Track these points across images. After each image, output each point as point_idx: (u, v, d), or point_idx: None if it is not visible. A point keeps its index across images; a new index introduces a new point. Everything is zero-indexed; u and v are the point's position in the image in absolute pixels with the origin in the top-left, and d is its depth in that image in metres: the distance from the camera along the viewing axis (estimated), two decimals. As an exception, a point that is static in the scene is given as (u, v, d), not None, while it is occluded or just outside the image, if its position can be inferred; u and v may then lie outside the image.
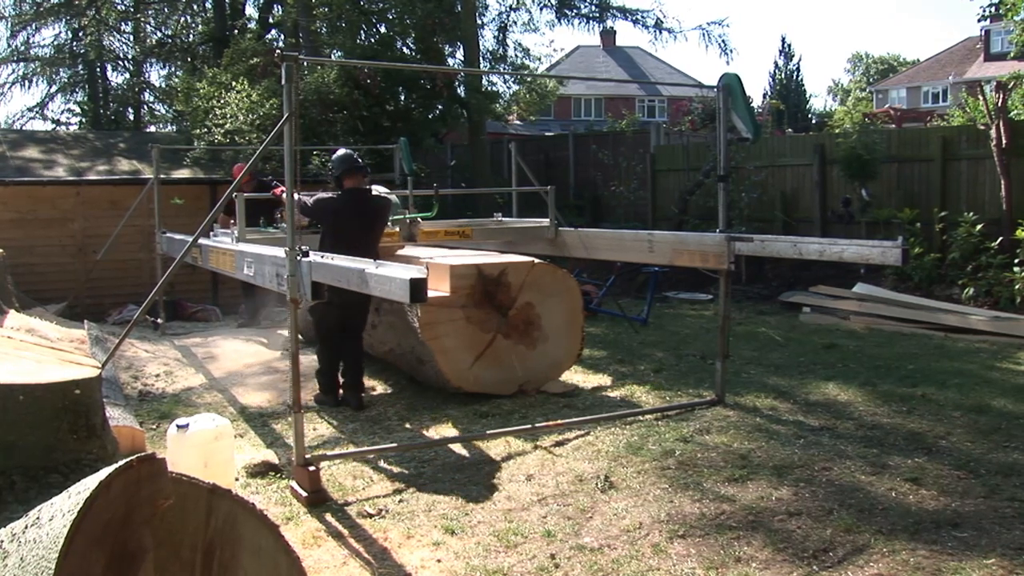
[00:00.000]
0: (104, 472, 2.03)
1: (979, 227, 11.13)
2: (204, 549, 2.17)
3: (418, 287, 3.83)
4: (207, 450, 4.89)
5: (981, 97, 12.06)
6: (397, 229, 7.68)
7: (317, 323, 7.12)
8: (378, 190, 7.49)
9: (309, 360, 8.41)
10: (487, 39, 18.77)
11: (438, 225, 8.27)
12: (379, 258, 6.07)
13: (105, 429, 3.64)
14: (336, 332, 7.00)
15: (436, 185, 9.03)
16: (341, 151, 7.01)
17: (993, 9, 17.17)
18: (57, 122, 24.44)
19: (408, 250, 8.04)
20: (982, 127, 11.81)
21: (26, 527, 2.09)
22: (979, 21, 26.23)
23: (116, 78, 25.11)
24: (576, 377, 7.72)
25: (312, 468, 4.99)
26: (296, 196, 6.79)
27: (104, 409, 3.82)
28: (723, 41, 19.70)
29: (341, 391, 7.08)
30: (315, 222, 7.04)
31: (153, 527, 2.05)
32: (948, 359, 8.28)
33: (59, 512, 2.01)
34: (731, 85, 6.52)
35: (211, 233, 7.77)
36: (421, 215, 8.24)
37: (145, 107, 25.30)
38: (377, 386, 7.55)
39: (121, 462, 2.04)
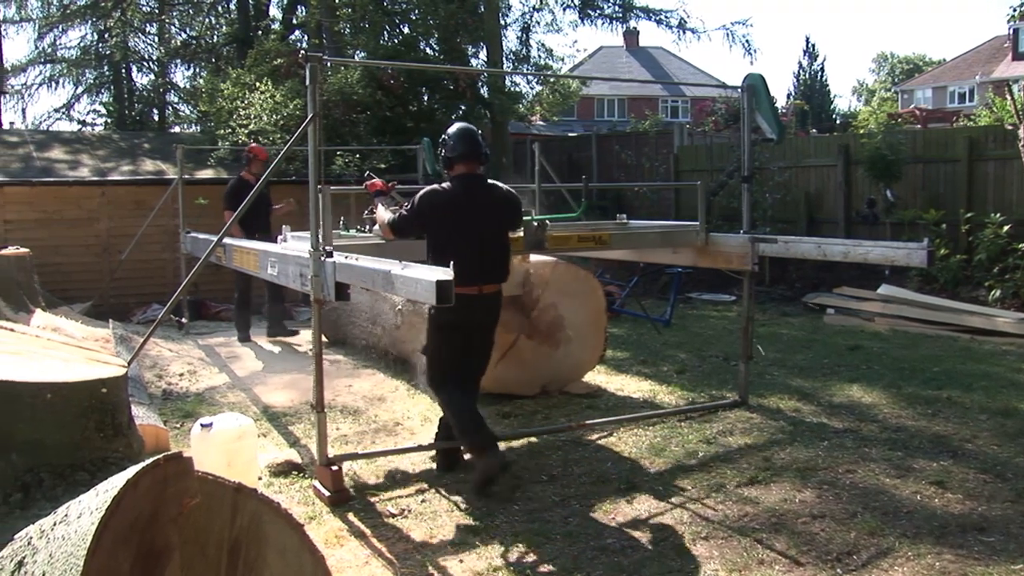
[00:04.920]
0: (131, 470, 2.04)
1: (1006, 228, 11.03)
2: (229, 548, 2.18)
3: (444, 288, 3.82)
4: (230, 449, 4.92)
5: (1009, 96, 11.94)
6: (520, 234, 6.05)
7: (434, 360, 5.40)
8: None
9: (331, 359, 8.45)
10: (510, 40, 18.75)
11: (568, 229, 6.81)
12: (507, 268, 5.38)
13: (131, 428, 3.67)
14: (459, 366, 5.35)
15: (585, 178, 7.65)
16: (458, 125, 5.44)
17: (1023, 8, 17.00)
18: (83, 123, 24.61)
19: (533, 261, 7.05)
20: (1009, 127, 11.70)
21: (55, 524, 2.11)
22: (1008, 21, 25.97)
23: (141, 79, 25.28)
24: (599, 378, 7.71)
25: (335, 468, 5.01)
26: (386, 212, 5.54)
27: (130, 408, 3.85)
28: (747, 41, 19.52)
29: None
30: (419, 234, 5.37)
31: (179, 525, 2.06)
32: (974, 361, 8.21)
33: (87, 510, 2.02)
34: (755, 85, 6.50)
35: (280, 238, 6.68)
36: (556, 217, 7.06)
37: (169, 108, 25.44)
38: (400, 386, 7.56)
39: (148, 460, 2.06)
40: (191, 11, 23.39)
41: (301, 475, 5.38)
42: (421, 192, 5.25)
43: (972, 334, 9.56)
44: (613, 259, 9.44)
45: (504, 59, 17.24)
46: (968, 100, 46.62)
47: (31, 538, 2.16)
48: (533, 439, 6.00)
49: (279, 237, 6.62)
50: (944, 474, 5.12)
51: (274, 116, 13.24)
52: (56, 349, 3.83)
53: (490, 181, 5.44)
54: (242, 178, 9.61)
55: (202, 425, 4.97)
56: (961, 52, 53.90)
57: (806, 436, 5.95)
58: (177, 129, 23.90)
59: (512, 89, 17.63)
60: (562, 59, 19.77)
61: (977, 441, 5.76)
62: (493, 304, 5.31)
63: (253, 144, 10.49)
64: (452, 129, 5.37)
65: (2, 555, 2.20)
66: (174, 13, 23.54)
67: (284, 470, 5.41)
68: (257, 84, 13.98)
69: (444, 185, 5.27)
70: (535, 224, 6.12)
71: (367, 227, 6.22)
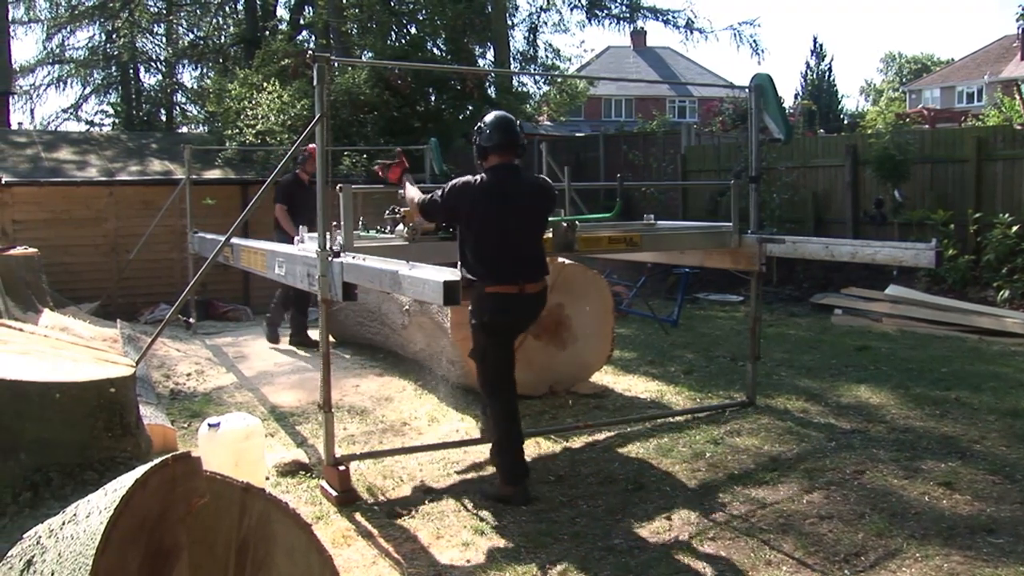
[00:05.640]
0: (140, 470, 2.04)
1: (1015, 228, 10.96)
2: (238, 547, 2.19)
3: (452, 289, 3.81)
4: (238, 449, 4.93)
5: (1018, 96, 11.90)
6: (549, 235, 5.71)
7: (483, 365, 5.10)
8: None
9: (338, 359, 8.45)
10: (517, 40, 18.82)
11: (598, 230, 6.46)
12: (547, 263, 5.18)
13: (139, 427, 3.67)
14: (510, 373, 5.11)
15: (620, 177, 7.10)
16: (495, 114, 5.14)
17: (1030, 8, 16.95)
18: (91, 123, 24.74)
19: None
20: (1018, 127, 11.66)
21: (63, 523, 2.12)
22: (1017, 20, 25.86)
23: (149, 79, 25.40)
24: (606, 378, 7.71)
25: (342, 468, 5.01)
26: (415, 190, 5.35)
27: (138, 408, 3.86)
28: (754, 41, 19.58)
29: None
30: (447, 224, 5.34)
31: (188, 525, 2.07)
32: (983, 362, 8.19)
33: (96, 509, 2.03)
34: (763, 85, 6.48)
35: (296, 239, 6.43)
36: (587, 217, 6.77)
37: (177, 108, 25.53)
38: (407, 386, 7.57)
39: (157, 460, 2.06)
40: (199, 12, 23.48)
41: (308, 475, 5.38)
42: (454, 182, 5.00)
43: (981, 335, 9.53)
44: (622, 259, 9.40)
45: (511, 59, 17.28)
46: (977, 100, 46.50)
47: (40, 537, 2.16)
48: (540, 439, 5.99)
49: (295, 238, 6.49)
50: (952, 475, 5.10)
51: (281, 116, 13.26)
52: (65, 349, 3.84)
53: (523, 171, 5.21)
54: (297, 175, 9.46)
55: (209, 425, 4.98)
56: (970, 52, 53.78)
57: (814, 437, 5.94)
58: (185, 129, 23.98)
59: (519, 89, 17.66)
60: (569, 59, 19.83)
61: (986, 442, 5.75)
62: (536, 304, 5.09)
63: (312, 145, 10.07)
64: (488, 117, 5.09)
65: (12, 554, 2.21)
66: (181, 14, 23.62)
67: (291, 470, 5.42)
68: (264, 84, 14.00)
69: (478, 177, 4.98)
70: (564, 225, 5.87)
71: (388, 228, 6.01)
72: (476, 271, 4.87)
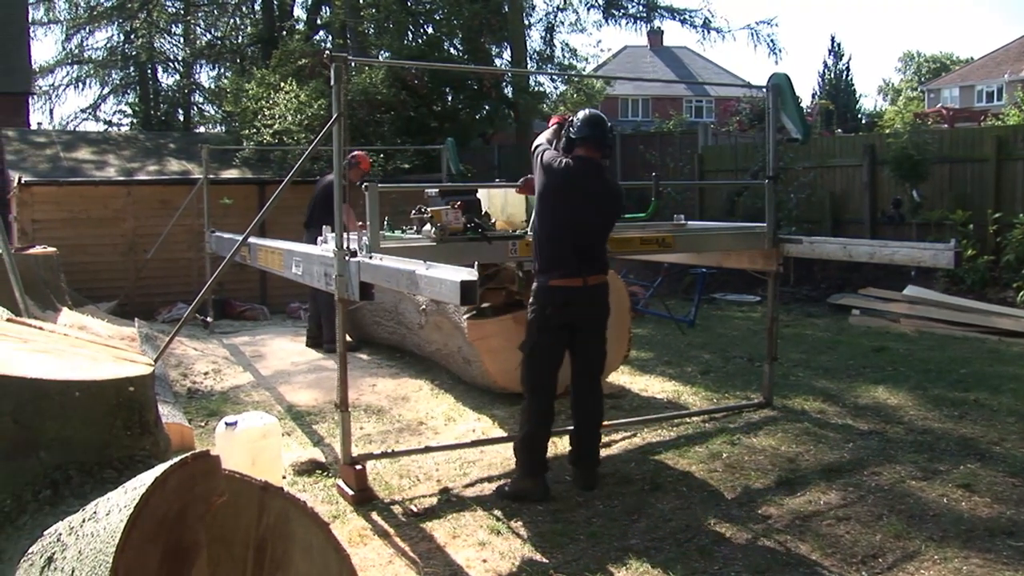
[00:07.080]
0: (159, 468, 2.05)
1: (1035, 229, 10.91)
2: (256, 546, 2.19)
3: (468, 289, 3.81)
4: (255, 448, 4.94)
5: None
6: None
7: (529, 360, 5.05)
8: None
9: (355, 358, 8.47)
10: (534, 39, 18.76)
11: (631, 230, 6.32)
12: (607, 262, 5.16)
13: (158, 426, 3.68)
14: (555, 372, 5.07)
15: (656, 175, 6.93)
16: (589, 110, 5.14)
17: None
18: (109, 123, 24.88)
19: None
20: (1038, 127, 11.59)
21: (83, 521, 2.13)
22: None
23: (166, 79, 25.54)
24: (623, 378, 7.70)
25: (359, 467, 5.02)
26: (549, 133, 5.25)
27: (157, 406, 3.87)
28: (772, 41, 19.40)
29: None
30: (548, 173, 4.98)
31: (207, 523, 2.07)
32: (1002, 363, 8.14)
33: (116, 507, 2.03)
34: (781, 85, 6.46)
35: (320, 239, 6.32)
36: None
37: (195, 108, 25.64)
38: (424, 385, 7.58)
39: (176, 459, 2.07)
40: (216, 12, 23.57)
41: (325, 474, 5.40)
42: (552, 155, 4.97)
43: (1000, 336, 9.47)
44: (639, 259, 9.39)
45: (528, 59, 17.26)
46: (996, 99, 46.11)
47: (60, 535, 2.17)
48: (556, 439, 5.98)
49: (319, 238, 6.44)
50: (971, 477, 5.08)
51: (298, 116, 13.30)
52: (84, 347, 3.86)
53: (606, 171, 5.15)
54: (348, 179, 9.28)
55: (227, 424, 5.00)
56: (989, 51, 53.34)
57: (831, 438, 5.91)
58: (202, 129, 24.08)
59: (536, 89, 17.63)
60: (586, 59, 19.79)
61: (1005, 444, 5.71)
62: (600, 294, 5.04)
63: (359, 152, 9.86)
64: (581, 113, 5.07)
65: (32, 551, 2.22)
66: (199, 14, 23.73)
67: (308, 469, 5.43)
68: (282, 84, 14.04)
69: (563, 160, 4.94)
70: None
71: (415, 228, 5.90)
72: (543, 262, 4.90)
